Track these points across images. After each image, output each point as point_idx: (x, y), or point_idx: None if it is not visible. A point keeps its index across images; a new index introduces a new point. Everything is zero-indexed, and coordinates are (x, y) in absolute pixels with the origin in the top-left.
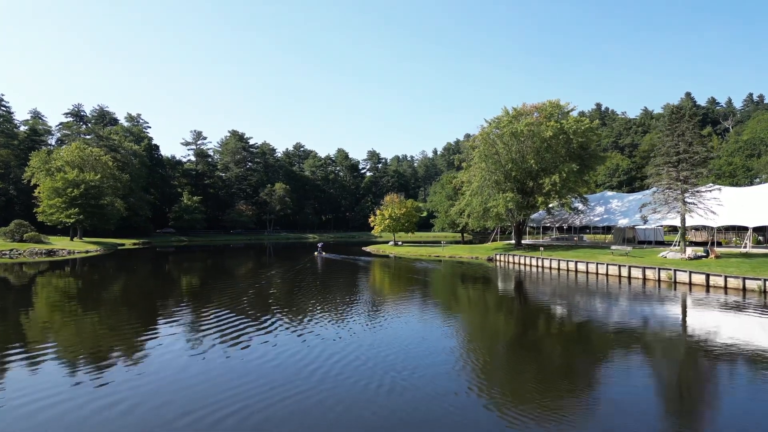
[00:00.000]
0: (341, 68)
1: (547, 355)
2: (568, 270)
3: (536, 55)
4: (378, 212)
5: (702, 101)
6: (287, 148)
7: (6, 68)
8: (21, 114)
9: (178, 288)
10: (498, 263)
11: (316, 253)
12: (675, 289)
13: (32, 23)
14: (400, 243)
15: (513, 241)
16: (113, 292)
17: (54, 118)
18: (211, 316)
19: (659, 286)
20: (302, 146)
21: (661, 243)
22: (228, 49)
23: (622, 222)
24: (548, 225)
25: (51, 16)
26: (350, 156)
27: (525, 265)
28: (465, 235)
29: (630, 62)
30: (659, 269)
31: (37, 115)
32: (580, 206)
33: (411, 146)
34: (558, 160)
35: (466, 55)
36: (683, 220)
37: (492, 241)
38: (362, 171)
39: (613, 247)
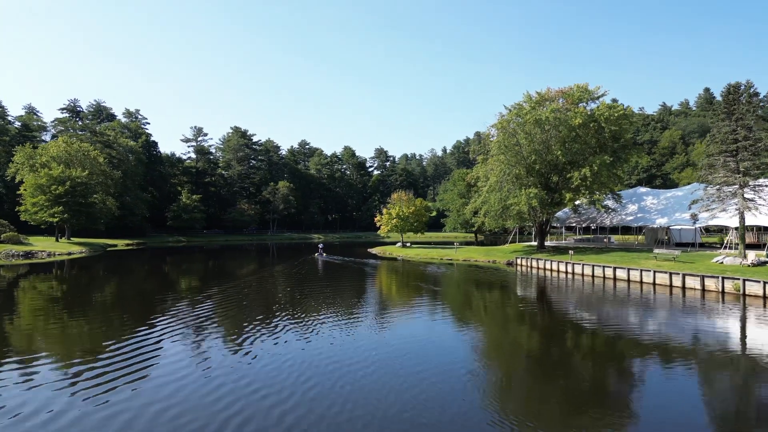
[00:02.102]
0: (348, 67)
1: (597, 388)
2: (604, 277)
3: (546, 54)
4: (384, 211)
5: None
6: (292, 146)
7: (3, 63)
8: (16, 110)
9: (149, 298)
10: (519, 268)
11: (316, 254)
12: (745, 304)
13: (31, 18)
14: (408, 244)
15: (534, 243)
16: (71, 303)
17: (52, 114)
18: (172, 339)
19: (723, 298)
20: (308, 144)
21: (702, 245)
22: (232, 47)
23: (660, 221)
24: (573, 225)
25: (52, 11)
26: (357, 154)
27: (551, 270)
28: (478, 235)
29: (644, 57)
30: (722, 278)
31: (31, 111)
32: (611, 204)
33: (420, 144)
34: (587, 152)
35: (476, 54)
36: (742, 219)
37: (510, 242)
38: (369, 169)
39: (656, 250)
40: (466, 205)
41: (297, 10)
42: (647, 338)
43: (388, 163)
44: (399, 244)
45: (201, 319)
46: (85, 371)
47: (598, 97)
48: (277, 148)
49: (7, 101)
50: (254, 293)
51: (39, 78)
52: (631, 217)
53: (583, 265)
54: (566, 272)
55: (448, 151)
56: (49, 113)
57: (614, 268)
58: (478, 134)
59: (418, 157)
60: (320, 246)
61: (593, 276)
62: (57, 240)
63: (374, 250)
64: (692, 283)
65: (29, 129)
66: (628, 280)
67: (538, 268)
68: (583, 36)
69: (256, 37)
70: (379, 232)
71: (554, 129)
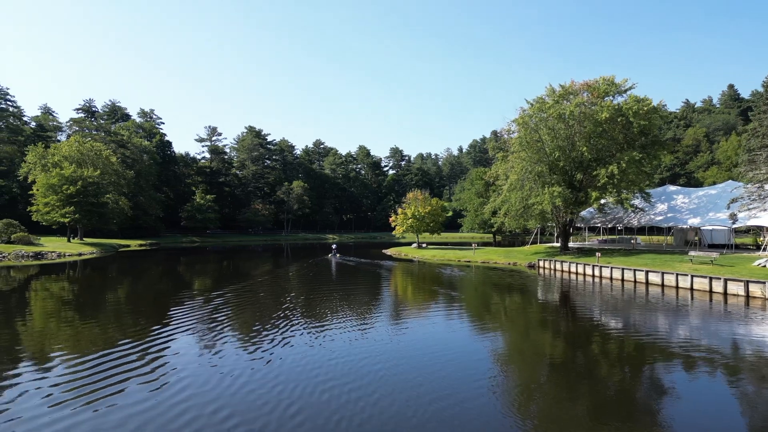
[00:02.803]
0: (363, 66)
1: (626, 398)
2: (635, 281)
3: (564, 53)
4: (400, 211)
5: (746, 93)
6: (307, 146)
7: (20, 64)
8: (33, 110)
9: (157, 301)
10: (541, 271)
11: (330, 255)
12: None
13: (47, 18)
14: (424, 245)
15: (556, 244)
16: (75, 306)
17: (69, 115)
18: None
19: None
20: (322, 143)
21: (737, 247)
22: (247, 46)
23: (692, 221)
24: (598, 225)
25: (68, 10)
26: (372, 153)
27: (577, 273)
28: (497, 236)
29: (664, 55)
30: None
31: (47, 111)
32: (638, 203)
33: (435, 144)
34: (614, 148)
35: (493, 54)
36: None
37: (531, 243)
38: (384, 169)
39: (692, 253)
40: (484, 204)
41: (313, 9)
42: (685, 348)
43: (403, 163)
44: (415, 245)
45: (213, 323)
46: (95, 369)
47: (625, 90)
48: (292, 147)
49: (25, 102)
50: (265, 297)
51: (55, 79)
52: (660, 217)
53: (611, 268)
54: (593, 275)
55: (464, 150)
56: (65, 114)
57: (646, 272)
58: (495, 133)
59: (433, 157)
60: (334, 246)
61: (623, 280)
62: (69, 240)
63: (389, 251)
64: (735, 288)
65: (44, 129)
66: (663, 285)
67: (562, 270)
68: (601, 35)
69: (271, 36)
70: (394, 233)
71: (578, 124)
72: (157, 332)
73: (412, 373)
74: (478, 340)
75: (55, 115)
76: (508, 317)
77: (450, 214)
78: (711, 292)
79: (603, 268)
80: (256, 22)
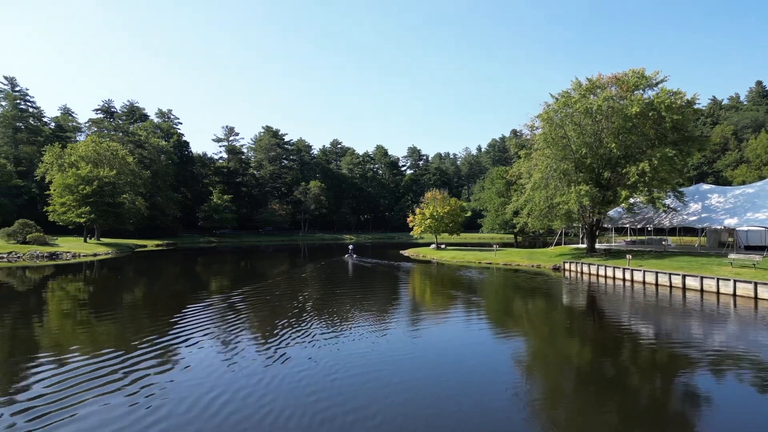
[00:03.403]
0: (381, 66)
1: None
2: (671, 286)
3: (585, 52)
4: (418, 211)
5: None
6: (324, 145)
7: (42, 65)
8: (53, 112)
9: (171, 302)
10: (567, 273)
11: (346, 255)
12: None
13: (67, 19)
14: (443, 246)
15: (582, 246)
16: (81, 308)
17: (88, 115)
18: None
19: None
20: (339, 143)
21: None
22: (265, 46)
23: (729, 222)
24: (626, 225)
25: (89, 12)
26: (390, 153)
27: (605, 277)
28: (518, 237)
29: (688, 52)
30: None
31: (67, 112)
32: (670, 202)
33: (454, 143)
34: (645, 144)
35: (512, 53)
36: None
37: (554, 244)
38: (402, 169)
39: (731, 255)
40: (505, 204)
41: (331, 9)
42: (731, 359)
43: (421, 162)
44: (433, 245)
45: (215, 332)
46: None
47: (656, 84)
48: (309, 147)
49: (45, 103)
50: (275, 301)
51: (75, 80)
52: (694, 217)
53: (644, 271)
54: (623, 279)
55: (483, 149)
56: (85, 115)
57: (683, 276)
58: (514, 132)
59: (452, 156)
60: (350, 247)
61: (657, 284)
62: (85, 240)
63: (407, 252)
64: None
65: (63, 130)
66: (702, 290)
67: (589, 273)
68: (622, 33)
69: (290, 36)
70: (412, 233)
71: (606, 119)
72: (151, 341)
73: (432, 374)
74: (503, 352)
75: (74, 115)
76: (534, 324)
77: (469, 214)
78: (756, 298)
79: (635, 272)
80: (274, 23)
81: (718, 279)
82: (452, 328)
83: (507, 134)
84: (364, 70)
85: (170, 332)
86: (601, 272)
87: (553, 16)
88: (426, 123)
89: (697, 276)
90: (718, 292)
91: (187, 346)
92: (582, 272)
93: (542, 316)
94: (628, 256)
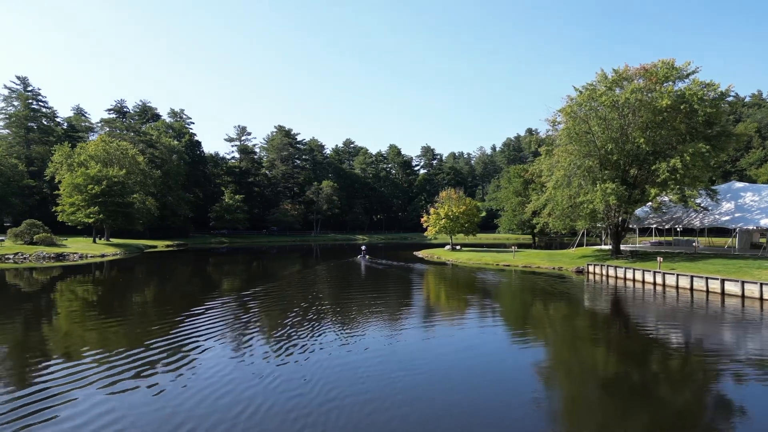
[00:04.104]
0: (394, 65)
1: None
2: (708, 291)
3: (601, 52)
4: (432, 211)
5: None
6: (337, 145)
7: (56, 66)
8: (66, 112)
9: (178, 306)
10: (591, 277)
11: (359, 257)
12: None
13: (81, 20)
14: (458, 247)
15: (604, 247)
16: (86, 310)
17: (101, 115)
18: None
19: None
20: (352, 143)
21: None
22: (277, 45)
23: (766, 222)
24: (653, 225)
25: (101, 12)
26: (403, 152)
27: (634, 281)
28: (536, 238)
29: (706, 48)
30: None
31: (80, 112)
32: (700, 200)
33: (468, 142)
34: (675, 140)
35: (526, 53)
36: None
37: (576, 246)
38: (415, 168)
39: None
40: (523, 204)
41: (341, 8)
42: None
43: (434, 162)
44: (448, 246)
45: (214, 337)
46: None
47: (687, 75)
48: (322, 147)
49: (59, 103)
50: (280, 305)
51: (90, 80)
52: (726, 217)
53: (678, 275)
54: (654, 283)
55: (497, 148)
56: (98, 115)
57: (722, 280)
58: (530, 130)
59: (465, 156)
60: (363, 248)
61: (692, 289)
62: (94, 241)
63: (420, 254)
64: None
65: (75, 130)
66: (743, 296)
67: (616, 277)
68: (637, 32)
69: (302, 35)
70: (426, 234)
71: (633, 113)
72: (147, 347)
73: (449, 384)
74: (526, 360)
75: (87, 116)
76: (560, 333)
77: (483, 214)
78: None
79: (667, 275)
80: (287, 22)
81: (761, 284)
82: (472, 331)
83: (522, 133)
84: (378, 69)
85: (170, 338)
86: (630, 275)
87: (569, 15)
88: (440, 122)
89: (737, 281)
90: (761, 298)
91: (191, 353)
92: (608, 275)
93: (568, 324)
94: (659, 258)
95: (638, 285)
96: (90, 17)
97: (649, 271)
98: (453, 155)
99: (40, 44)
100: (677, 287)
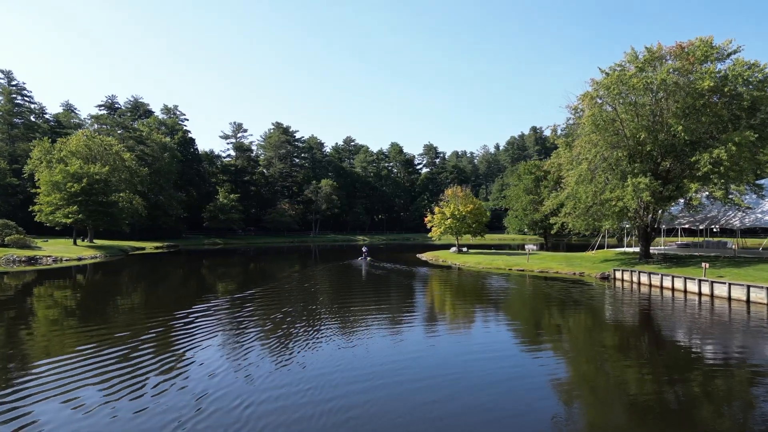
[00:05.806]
0: (395, 63)
1: None
2: None
3: (598, 50)
4: (437, 210)
5: None
6: (336, 143)
7: (46, 61)
8: (56, 108)
9: (157, 320)
10: (619, 284)
11: (359, 258)
12: None
13: (72, 15)
14: (465, 249)
15: (628, 249)
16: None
17: (92, 111)
18: None
19: None
20: (353, 140)
21: None
22: (275, 40)
23: None
24: (684, 225)
25: (95, 7)
26: (405, 150)
27: (673, 290)
28: (547, 239)
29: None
30: None
31: (69, 108)
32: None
33: (471, 141)
34: (715, 128)
35: (529, 53)
36: None
37: (596, 248)
38: (418, 167)
39: None
40: (535, 202)
41: (341, 8)
42: None
43: (437, 160)
44: (454, 248)
45: (192, 352)
46: None
47: (728, 55)
48: (321, 145)
49: (49, 100)
50: (269, 315)
51: (81, 76)
52: None
53: (729, 284)
54: (699, 293)
55: (501, 147)
56: (88, 111)
57: None
58: (534, 129)
59: (469, 155)
60: (364, 249)
61: (749, 301)
62: (75, 243)
63: (424, 256)
64: None
65: (63, 126)
66: None
67: (650, 285)
68: (643, 32)
69: (301, 32)
70: (429, 235)
71: (667, 98)
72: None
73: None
74: (545, 375)
75: (77, 112)
76: (590, 353)
77: (488, 214)
78: None
79: (715, 284)
80: (285, 18)
81: None
82: (489, 354)
83: (527, 132)
84: (378, 69)
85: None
86: (667, 283)
87: (569, 15)
88: (441, 121)
89: None
90: None
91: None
92: (639, 282)
93: (606, 346)
94: (704, 264)
95: (678, 294)
96: (89, 16)
97: (693, 279)
98: (456, 154)
99: (29, 39)
100: (729, 298)
